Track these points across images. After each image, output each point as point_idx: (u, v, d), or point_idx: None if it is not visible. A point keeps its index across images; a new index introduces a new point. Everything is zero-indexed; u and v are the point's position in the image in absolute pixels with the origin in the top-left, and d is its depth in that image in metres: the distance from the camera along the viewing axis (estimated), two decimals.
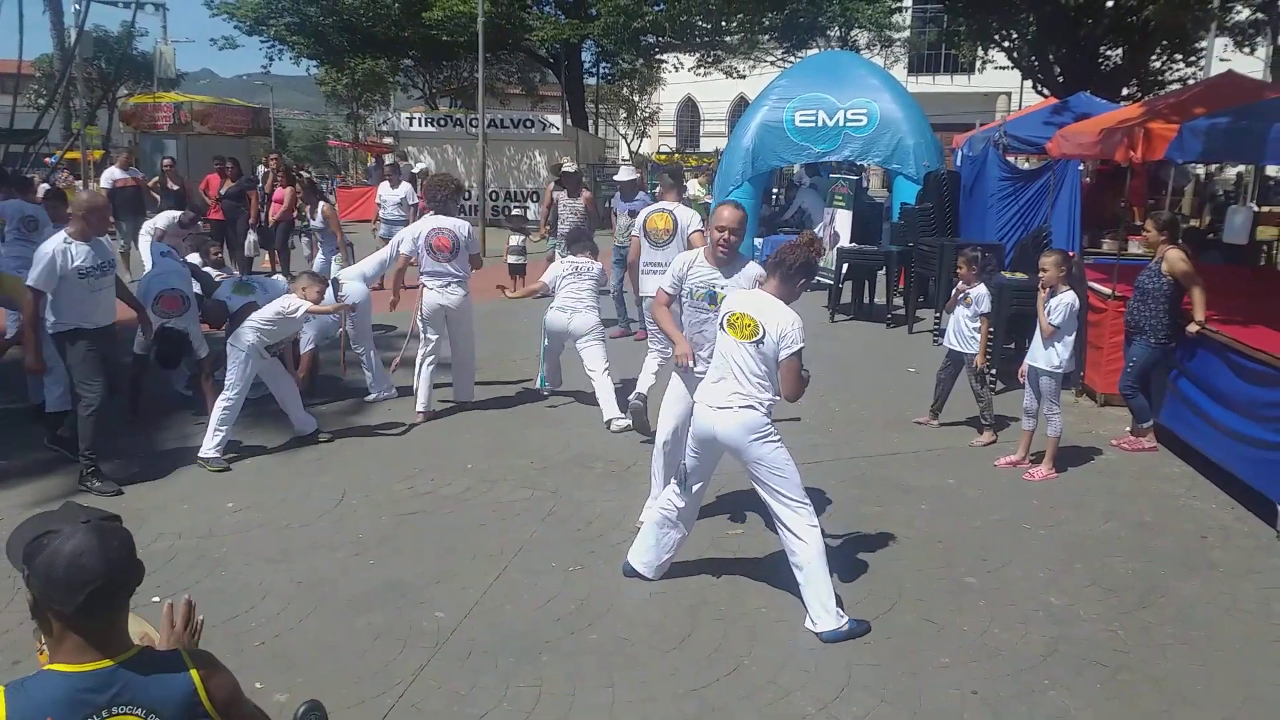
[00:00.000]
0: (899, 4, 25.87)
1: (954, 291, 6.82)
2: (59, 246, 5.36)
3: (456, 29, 22.50)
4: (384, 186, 13.53)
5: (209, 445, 5.93)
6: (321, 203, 11.80)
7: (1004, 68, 22.99)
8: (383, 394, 7.45)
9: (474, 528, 5.09)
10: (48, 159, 20.44)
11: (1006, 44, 19.62)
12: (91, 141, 21.90)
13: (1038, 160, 13.57)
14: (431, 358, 7.03)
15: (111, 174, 13.30)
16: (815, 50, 25.18)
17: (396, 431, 6.73)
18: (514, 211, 16.70)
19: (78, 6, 21.43)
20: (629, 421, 6.72)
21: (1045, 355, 5.97)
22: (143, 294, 6.52)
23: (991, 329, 6.89)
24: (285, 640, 3.91)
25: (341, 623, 4.06)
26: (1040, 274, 6.04)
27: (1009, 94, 35.72)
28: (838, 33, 26.19)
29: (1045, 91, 18.52)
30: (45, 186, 10.84)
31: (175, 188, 13.54)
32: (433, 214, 7.06)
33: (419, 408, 7.00)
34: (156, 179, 14.04)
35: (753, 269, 4.72)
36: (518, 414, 7.27)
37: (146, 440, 6.49)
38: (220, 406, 5.96)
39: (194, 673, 1.78)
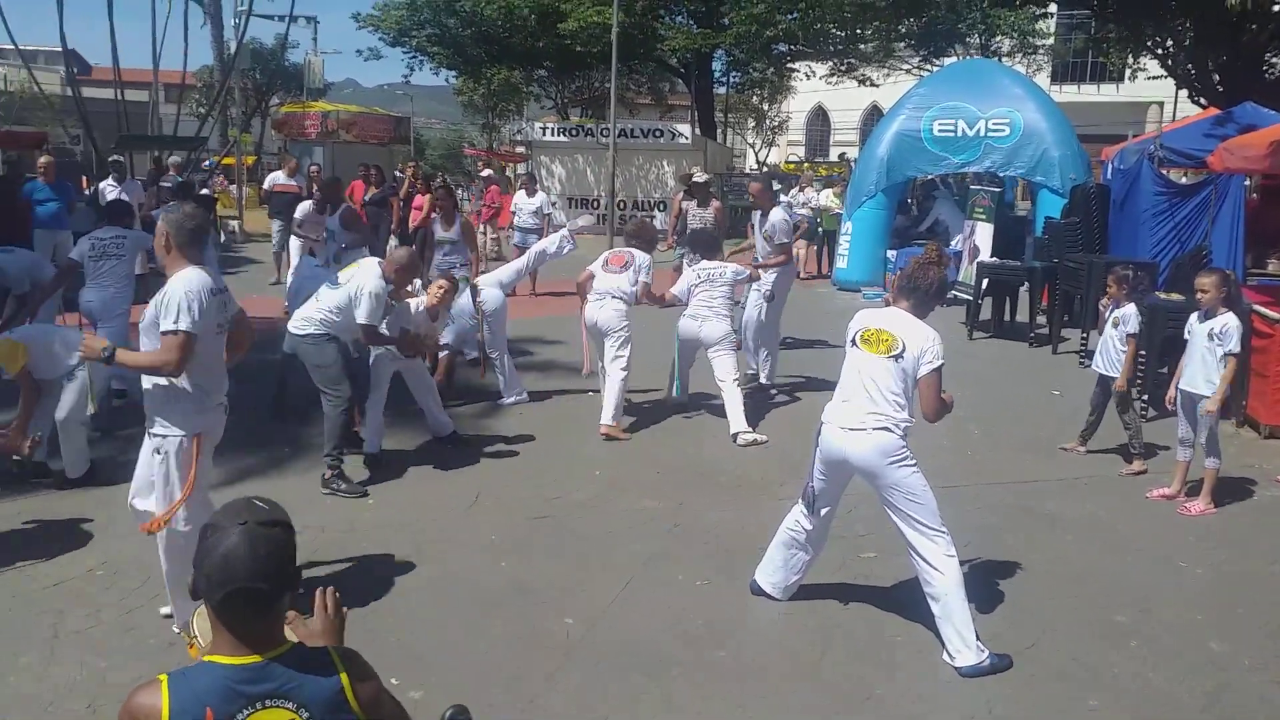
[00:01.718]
0: (1044, 10, 24.95)
1: (1101, 309, 6.50)
2: (383, 287, 5.56)
3: (590, 39, 22.84)
4: (520, 195, 13.87)
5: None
6: (459, 216, 12.15)
7: (1157, 76, 21.85)
8: (516, 398, 7.59)
9: (601, 536, 5.11)
10: (205, 164, 21.72)
11: (1160, 51, 18.62)
12: (245, 148, 23.14)
13: (1196, 174, 12.83)
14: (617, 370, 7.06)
15: (275, 178, 14.08)
16: (954, 58, 24.51)
17: (527, 436, 6.83)
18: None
19: (237, 21, 22.75)
20: (755, 436, 6.71)
21: (1204, 380, 5.60)
22: (293, 295, 6.83)
23: (1142, 352, 6.53)
24: (420, 637, 4.00)
25: (474, 623, 4.14)
26: (1198, 295, 5.68)
27: (1161, 104, 33.85)
28: (978, 40, 25.39)
29: (1203, 102, 17.46)
30: (205, 192, 11.54)
31: (319, 195, 14.15)
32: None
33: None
34: (306, 184, 14.72)
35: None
36: (645, 423, 7.28)
37: (293, 434, 6.78)
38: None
39: (343, 676, 1.82)
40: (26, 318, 6.89)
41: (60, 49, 16.81)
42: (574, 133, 24.33)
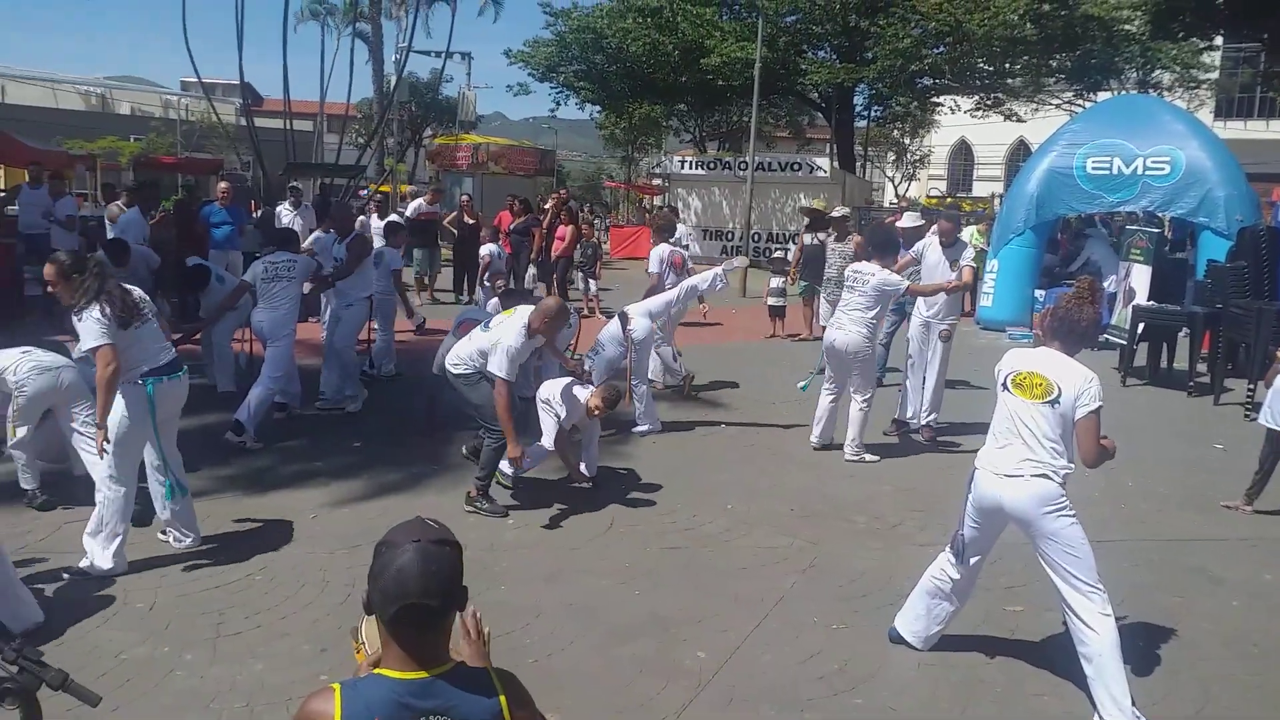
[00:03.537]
0: (1208, 43, 23.72)
1: (1272, 361, 6.09)
2: (522, 343, 5.57)
3: (732, 74, 22.99)
4: None
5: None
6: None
7: None
8: (650, 429, 7.65)
9: (734, 570, 5.09)
10: (361, 191, 22.86)
11: None
12: (400, 177, 24.25)
13: None
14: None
15: (418, 205, 14.74)
16: (1109, 93, 23.54)
17: (660, 466, 6.87)
18: (775, 254, 16.76)
19: (397, 56, 23.96)
20: (865, 456, 6.96)
21: None
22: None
23: None
24: (555, 661, 4.07)
25: (607, 650, 4.18)
26: None
27: None
28: (1136, 75, 24.32)
29: None
30: (361, 219, 12.17)
31: (471, 222, 14.70)
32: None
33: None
34: (454, 214, 15.33)
35: None
36: (778, 457, 7.23)
37: (436, 452, 7.03)
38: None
39: (502, 699, 1.87)
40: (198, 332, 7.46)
41: (238, 82, 18.05)
42: (711, 166, 24.50)
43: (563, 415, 6.10)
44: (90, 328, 4.46)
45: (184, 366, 4.93)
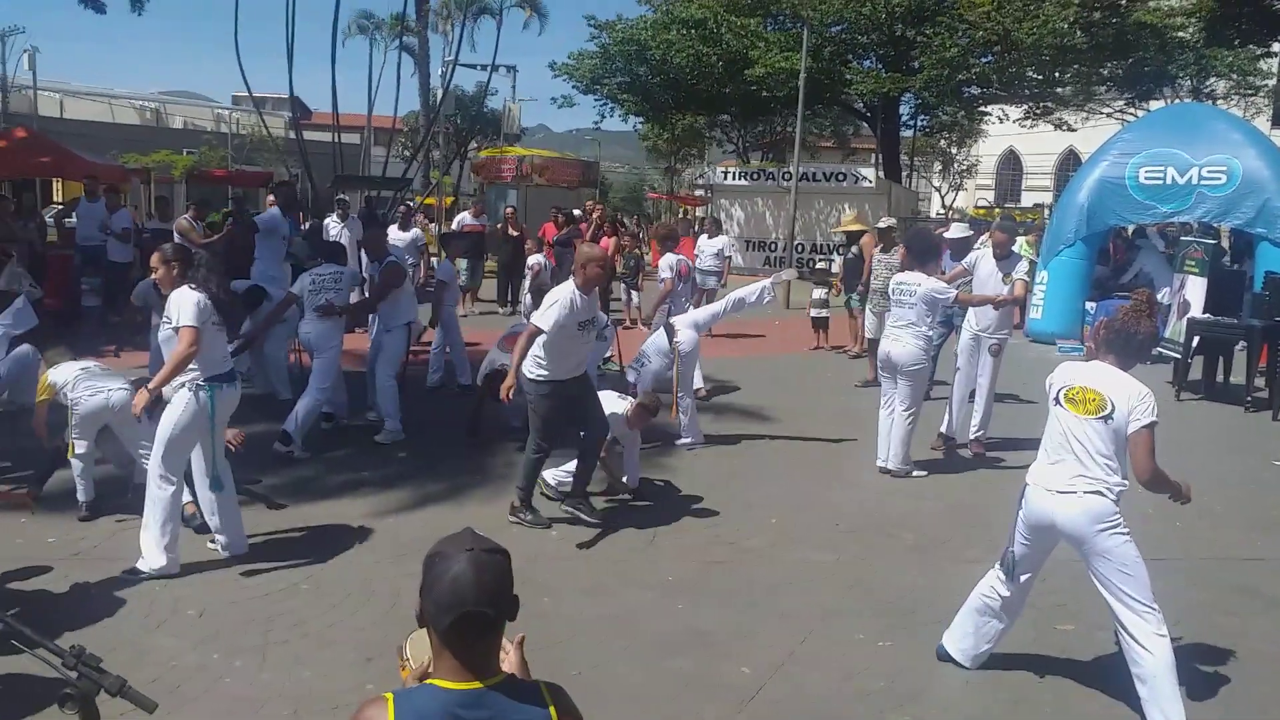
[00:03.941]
0: (1265, 49, 23.24)
1: None
2: (570, 295, 5.50)
3: (776, 85, 22.95)
4: (703, 238, 14.09)
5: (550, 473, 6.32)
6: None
7: None
8: (693, 442, 7.63)
9: (777, 585, 5.05)
10: (407, 203, 23.16)
11: None
12: (445, 190, 24.52)
13: None
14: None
15: (463, 218, 14.93)
16: (1161, 101, 23.13)
17: (703, 479, 6.84)
18: (818, 265, 16.69)
19: (443, 70, 24.26)
20: (909, 470, 6.86)
21: None
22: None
23: None
24: (598, 674, 4.06)
25: (650, 664, 4.16)
26: None
27: None
28: (1190, 83, 23.88)
29: None
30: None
31: (515, 234, 14.82)
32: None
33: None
34: (501, 225, 15.46)
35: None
36: (822, 471, 7.17)
37: (477, 463, 7.07)
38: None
39: (552, 710, 1.87)
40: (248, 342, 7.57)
41: (287, 96, 18.39)
42: (754, 176, 24.46)
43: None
44: (187, 308, 4.73)
45: (238, 375, 5.21)
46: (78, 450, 5.59)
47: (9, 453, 6.52)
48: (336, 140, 18.36)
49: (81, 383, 5.53)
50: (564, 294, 5.52)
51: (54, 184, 24.67)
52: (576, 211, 16.63)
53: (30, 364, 6.60)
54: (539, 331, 5.45)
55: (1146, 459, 3.64)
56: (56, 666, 1.88)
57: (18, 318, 7.20)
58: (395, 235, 11.89)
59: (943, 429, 7.74)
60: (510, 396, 5.53)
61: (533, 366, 5.63)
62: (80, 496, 5.64)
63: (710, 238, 13.90)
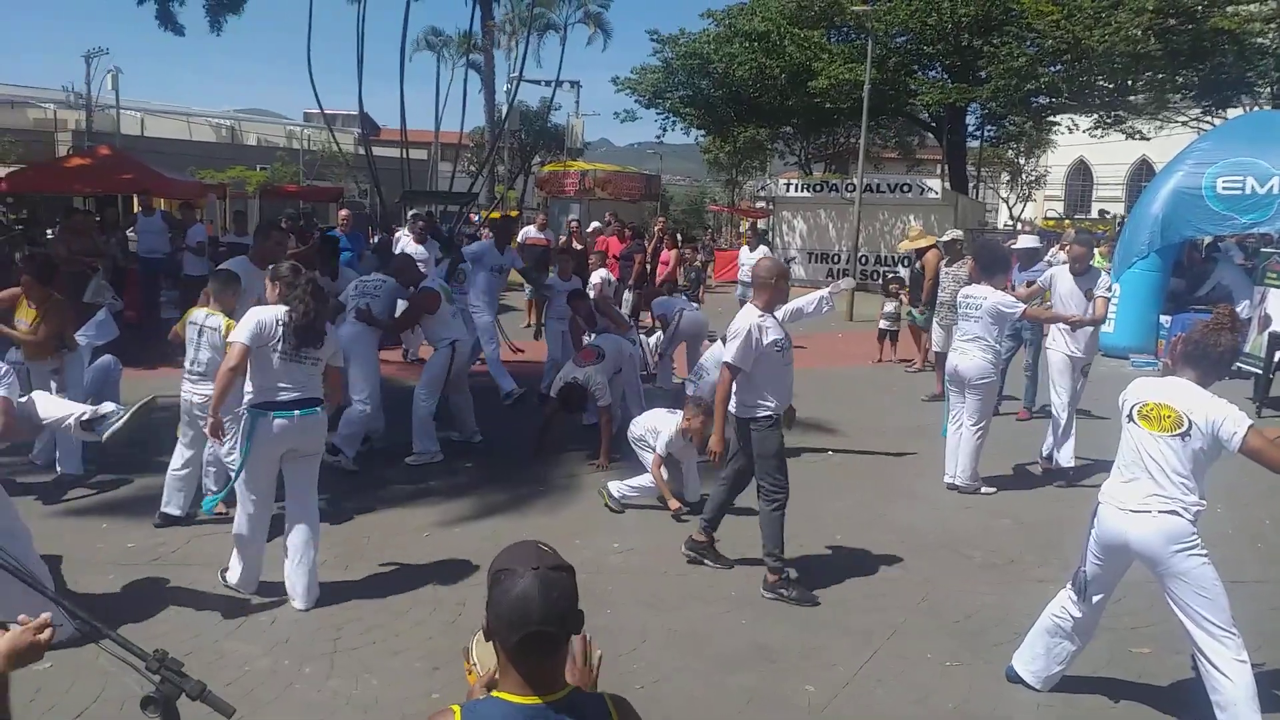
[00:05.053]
0: None
1: None
2: (755, 321, 4.98)
3: (840, 96, 22.79)
4: (744, 250, 14.07)
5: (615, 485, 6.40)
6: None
7: None
8: None
9: (842, 602, 4.99)
10: (473, 217, 23.44)
11: None
12: (509, 204, 24.81)
13: None
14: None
15: (528, 231, 15.08)
16: (1240, 110, 22.42)
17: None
18: (889, 275, 16.50)
19: (508, 86, 24.59)
20: (981, 487, 6.78)
21: None
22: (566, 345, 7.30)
23: None
24: (662, 688, 4.05)
25: (714, 680, 4.14)
26: None
27: None
28: (1270, 90, 23.09)
29: None
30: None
31: (579, 247, 14.93)
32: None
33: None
34: (565, 238, 15.58)
35: None
36: (888, 487, 7.07)
37: (540, 474, 7.12)
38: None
39: None
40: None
41: (357, 113, 18.79)
42: (817, 188, 24.29)
43: (659, 446, 6.25)
44: (244, 323, 4.62)
45: (301, 410, 4.69)
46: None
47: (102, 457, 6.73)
48: (405, 156, 18.67)
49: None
50: (746, 322, 5.00)
51: (134, 200, 25.54)
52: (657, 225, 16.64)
53: (112, 374, 6.84)
54: (735, 370, 4.99)
55: (1277, 453, 3.52)
56: (140, 670, 1.94)
57: (100, 329, 7.44)
58: (411, 249, 11.81)
59: (1045, 451, 7.42)
60: (720, 458, 5.19)
61: (751, 405, 5.06)
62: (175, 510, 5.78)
63: (751, 250, 13.84)
